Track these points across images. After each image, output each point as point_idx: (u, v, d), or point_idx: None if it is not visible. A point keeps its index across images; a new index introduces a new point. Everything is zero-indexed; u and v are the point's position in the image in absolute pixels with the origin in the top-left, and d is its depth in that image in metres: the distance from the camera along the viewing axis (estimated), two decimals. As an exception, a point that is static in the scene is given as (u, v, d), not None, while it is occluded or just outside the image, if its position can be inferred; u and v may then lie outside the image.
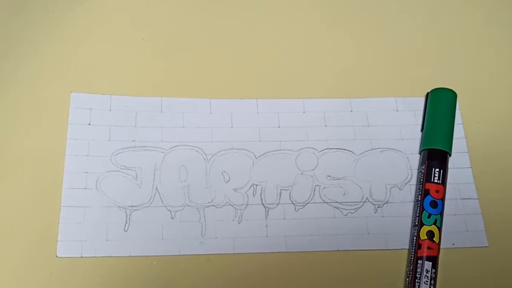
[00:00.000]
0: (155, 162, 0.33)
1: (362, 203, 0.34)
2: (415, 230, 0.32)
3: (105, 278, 0.31)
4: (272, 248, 0.32)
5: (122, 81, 0.35)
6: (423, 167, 0.34)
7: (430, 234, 0.32)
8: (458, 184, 0.35)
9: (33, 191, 0.32)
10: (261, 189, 0.34)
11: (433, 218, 0.32)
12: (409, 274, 0.31)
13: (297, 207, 0.33)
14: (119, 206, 0.32)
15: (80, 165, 0.33)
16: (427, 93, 0.36)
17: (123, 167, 0.33)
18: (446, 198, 0.33)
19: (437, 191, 0.33)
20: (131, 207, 0.32)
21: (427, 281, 0.31)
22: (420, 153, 0.35)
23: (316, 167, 0.34)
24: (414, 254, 0.32)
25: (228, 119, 0.35)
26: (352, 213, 0.33)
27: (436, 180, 0.33)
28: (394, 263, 0.32)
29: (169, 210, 0.33)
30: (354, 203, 0.34)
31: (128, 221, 0.32)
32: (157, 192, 0.33)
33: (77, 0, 0.38)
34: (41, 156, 0.33)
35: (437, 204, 0.33)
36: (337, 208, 0.33)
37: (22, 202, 0.32)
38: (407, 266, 0.32)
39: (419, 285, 0.31)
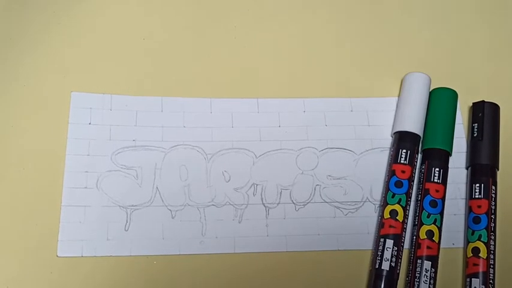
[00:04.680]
0: (156, 162, 0.33)
1: (362, 203, 0.34)
2: (415, 229, 0.32)
3: (106, 278, 0.31)
4: (272, 248, 0.32)
5: (122, 80, 0.35)
6: (423, 167, 0.34)
7: (430, 233, 0.32)
8: (458, 184, 0.35)
9: (33, 190, 0.32)
10: (262, 189, 0.34)
11: (432, 217, 0.32)
12: (409, 273, 0.31)
13: (298, 207, 0.33)
14: (120, 206, 0.32)
15: (80, 164, 0.33)
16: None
17: (124, 167, 0.33)
18: (446, 198, 0.33)
19: (437, 191, 0.33)
20: (132, 207, 0.32)
21: (426, 281, 0.31)
22: (421, 153, 0.35)
23: (316, 166, 0.34)
24: (414, 254, 0.32)
25: (229, 118, 0.35)
26: (352, 213, 0.33)
27: (436, 180, 0.33)
28: (394, 263, 0.32)
29: (170, 210, 0.33)
30: (354, 203, 0.34)
31: (128, 221, 0.32)
32: (157, 192, 0.33)
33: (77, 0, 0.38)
34: (41, 155, 0.33)
35: (437, 204, 0.33)
36: (338, 208, 0.33)
37: (22, 202, 0.32)
38: (407, 266, 0.32)
39: (418, 285, 0.31)
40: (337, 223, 0.33)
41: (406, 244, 0.33)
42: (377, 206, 0.34)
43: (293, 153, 0.35)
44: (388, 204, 0.32)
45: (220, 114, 0.35)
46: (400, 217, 0.32)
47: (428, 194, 0.33)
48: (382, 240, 0.31)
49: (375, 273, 0.31)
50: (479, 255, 0.32)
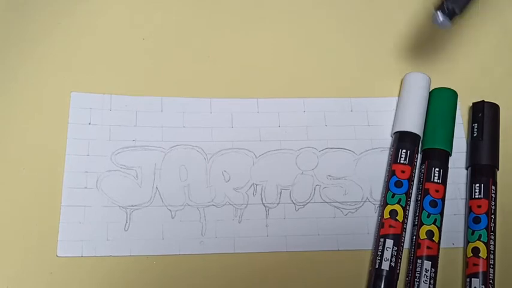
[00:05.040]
0: (155, 162, 0.33)
1: (362, 203, 0.34)
2: (415, 229, 0.32)
3: (106, 278, 0.31)
4: (272, 248, 0.32)
5: (122, 80, 0.35)
6: (423, 167, 0.34)
7: (430, 233, 0.32)
8: (458, 184, 0.35)
9: (33, 190, 0.32)
10: (261, 189, 0.34)
11: (432, 217, 0.32)
12: (409, 273, 0.32)
13: (297, 207, 0.33)
14: (119, 206, 0.32)
15: (80, 164, 0.33)
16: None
17: (124, 167, 0.33)
18: (446, 198, 0.33)
19: (437, 191, 0.33)
20: (131, 207, 0.32)
21: (426, 281, 0.31)
22: (420, 153, 0.35)
23: (316, 166, 0.34)
24: (414, 254, 0.32)
25: (229, 118, 0.35)
26: (352, 213, 0.33)
27: (436, 180, 0.33)
28: (394, 263, 0.32)
29: (170, 210, 0.33)
30: (354, 203, 0.34)
31: (128, 221, 0.32)
32: (157, 192, 0.33)
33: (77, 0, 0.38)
34: (41, 155, 0.33)
35: (437, 204, 0.33)
36: (338, 208, 0.33)
37: (22, 202, 0.32)
38: (407, 266, 0.32)
39: (418, 285, 0.31)
40: (337, 223, 0.33)
41: (406, 244, 0.33)
42: (377, 206, 0.34)
43: (293, 153, 0.35)
44: (388, 204, 0.32)
45: (220, 114, 0.35)
46: (400, 217, 0.32)
47: (428, 194, 0.33)
48: (382, 240, 0.31)
49: (375, 273, 0.31)
50: (479, 255, 0.32)
